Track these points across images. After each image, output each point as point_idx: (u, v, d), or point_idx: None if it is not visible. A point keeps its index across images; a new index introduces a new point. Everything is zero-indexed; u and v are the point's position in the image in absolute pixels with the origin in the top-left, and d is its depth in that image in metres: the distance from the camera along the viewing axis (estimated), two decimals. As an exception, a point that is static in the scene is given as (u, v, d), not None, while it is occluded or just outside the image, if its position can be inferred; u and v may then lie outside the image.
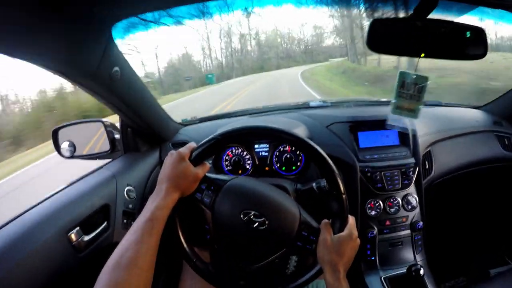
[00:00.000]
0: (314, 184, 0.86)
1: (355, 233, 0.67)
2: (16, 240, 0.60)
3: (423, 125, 1.15)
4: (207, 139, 0.68)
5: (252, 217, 0.67)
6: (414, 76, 0.79)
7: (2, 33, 0.46)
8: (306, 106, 1.32)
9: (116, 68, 0.72)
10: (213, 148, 0.69)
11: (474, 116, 1.34)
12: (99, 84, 0.72)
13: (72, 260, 0.69)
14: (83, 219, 0.73)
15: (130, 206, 0.89)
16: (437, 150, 1.17)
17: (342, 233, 0.65)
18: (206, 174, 0.71)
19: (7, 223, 0.64)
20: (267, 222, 0.66)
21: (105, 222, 0.81)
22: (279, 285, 0.68)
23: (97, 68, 0.66)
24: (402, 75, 0.79)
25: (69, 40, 0.57)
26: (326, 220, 0.69)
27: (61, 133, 1.03)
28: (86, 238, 0.73)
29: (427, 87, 0.80)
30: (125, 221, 0.86)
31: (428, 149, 1.14)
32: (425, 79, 0.79)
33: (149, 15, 0.69)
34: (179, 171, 0.64)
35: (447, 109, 1.37)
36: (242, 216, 0.67)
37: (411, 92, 0.80)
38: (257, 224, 0.66)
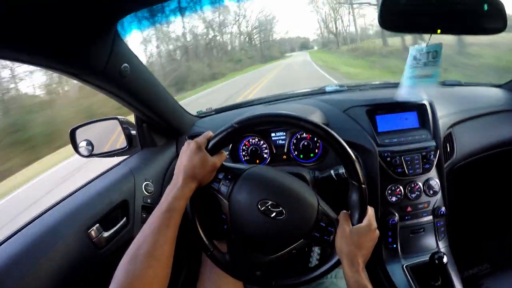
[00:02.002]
0: (332, 171, 0.85)
1: (375, 224, 0.66)
2: (38, 239, 0.62)
3: (442, 106, 1.10)
4: (223, 127, 0.67)
5: (269, 207, 0.67)
6: (425, 48, 0.75)
7: (8, 39, 0.46)
8: (322, 92, 1.30)
9: (125, 64, 0.72)
10: (230, 137, 0.67)
11: (495, 95, 1.27)
12: (109, 82, 0.72)
13: (92, 257, 0.70)
14: (102, 216, 0.75)
15: (149, 200, 0.90)
16: (458, 131, 1.12)
17: (361, 224, 0.64)
18: (224, 163, 0.70)
19: (28, 223, 0.66)
20: (284, 212, 0.66)
21: (124, 218, 0.82)
22: (297, 276, 0.68)
23: (106, 66, 0.66)
24: (413, 49, 0.76)
25: (75, 40, 0.57)
26: (344, 211, 0.68)
27: (78, 132, 1.05)
28: (106, 234, 0.74)
29: (441, 52, 0.75)
30: (144, 215, 0.88)
31: (449, 131, 1.10)
32: (438, 46, 0.74)
33: (156, 8, 0.68)
34: (196, 161, 0.63)
35: (467, 88, 1.31)
36: (259, 205, 0.67)
37: (425, 60, 0.77)
38: (274, 214, 0.66)
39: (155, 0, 0.63)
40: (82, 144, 1.04)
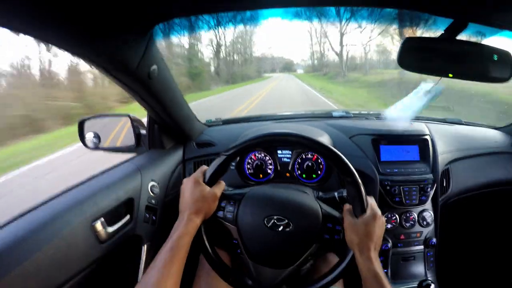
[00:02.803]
0: (336, 194, 0.87)
1: (378, 211, 0.68)
2: (43, 225, 0.62)
3: (443, 143, 1.15)
4: (215, 160, 0.71)
5: (275, 221, 0.70)
6: (431, 86, 0.80)
7: (47, 22, 0.48)
8: (328, 116, 1.34)
9: (154, 67, 0.74)
10: (224, 165, 0.71)
11: (493, 136, 1.34)
12: (137, 81, 0.74)
13: (94, 250, 0.71)
14: (107, 211, 0.75)
15: (153, 201, 0.90)
16: (455, 168, 1.17)
17: (365, 214, 0.66)
18: (224, 191, 0.74)
19: (34, 208, 0.66)
20: (291, 223, 0.69)
21: (128, 216, 0.82)
22: (315, 282, 0.69)
23: (138, 66, 0.68)
24: (423, 85, 0.81)
25: (114, 37, 0.59)
26: (347, 205, 0.71)
27: (87, 124, 1.05)
28: (110, 229, 0.74)
29: (437, 96, 0.81)
30: (147, 215, 0.88)
31: (447, 167, 1.15)
32: (439, 90, 0.80)
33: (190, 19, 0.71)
34: (197, 196, 0.67)
35: (467, 127, 1.37)
36: (265, 222, 0.70)
37: (423, 96, 0.82)
38: (282, 227, 0.69)
39: (192, 11, 0.66)
40: (89, 136, 1.04)
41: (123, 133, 1.07)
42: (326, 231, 0.70)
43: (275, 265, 0.70)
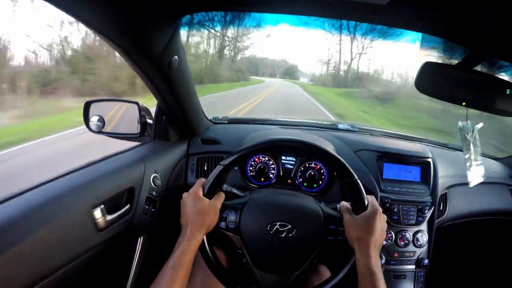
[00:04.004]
0: (338, 206, 0.88)
1: (379, 208, 0.68)
2: (40, 207, 0.59)
3: (443, 167, 1.17)
4: (213, 171, 0.70)
5: (278, 227, 0.70)
6: (470, 124, 0.82)
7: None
8: (334, 128, 1.34)
9: (175, 57, 0.73)
10: (222, 176, 0.71)
11: (492, 166, 1.36)
12: (157, 69, 0.72)
13: (91, 237, 0.68)
14: (108, 198, 0.73)
15: (154, 193, 0.89)
16: (452, 193, 1.19)
17: (366, 211, 0.67)
18: (224, 202, 0.73)
19: (30, 189, 0.63)
20: (294, 228, 0.69)
21: (128, 205, 0.80)
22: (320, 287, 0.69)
23: (161, 53, 0.67)
24: (462, 125, 0.83)
25: (142, 21, 0.58)
26: (343, 202, 0.72)
27: (93, 106, 1.03)
28: (109, 217, 0.72)
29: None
30: (146, 207, 0.86)
31: (445, 191, 1.17)
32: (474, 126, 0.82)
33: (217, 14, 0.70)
34: (197, 210, 0.67)
35: None
36: (269, 229, 0.69)
37: (469, 138, 0.84)
38: (285, 233, 0.69)
39: (220, 7, 0.66)
40: (94, 119, 1.02)
41: (117, 117, 1.05)
42: (329, 233, 0.70)
43: (282, 271, 0.70)
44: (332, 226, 0.71)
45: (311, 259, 0.70)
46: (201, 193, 0.69)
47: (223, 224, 0.72)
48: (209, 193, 0.70)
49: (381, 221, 0.67)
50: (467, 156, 0.84)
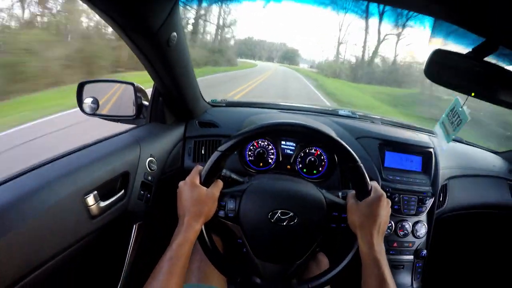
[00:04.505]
0: (340, 193, 0.86)
1: (383, 193, 0.66)
2: (30, 193, 0.55)
3: (444, 158, 1.15)
4: (210, 158, 0.66)
5: (280, 215, 0.67)
6: (461, 109, 0.80)
7: None
8: (335, 113, 1.31)
9: (174, 34, 0.68)
10: (219, 162, 0.67)
11: (492, 160, 1.36)
12: (154, 46, 0.68)
13: (84, 225, 0.65)
14: (101, 184, 0.69)
15: (149, 178, 0.85)
16: (452, 185, 1.18)
17: (369, 197, 0.65)
18: (222, 190, 0.70)
19: (21, 174, 0.59)
20: (296, 216, 0.67)
21: (122, 190, 0.77)
22: (323, 275, 0.67)
23: (159, 29, 0.63)
24: (456, 101, 0.81)
25: None
26: (351, 191, 0.70)
27: (86, 88, 0.98)
28: (102, 204, 0.69)
29: (463, 125, 0.81)
30: (142, 192, 0.83)
31: (445, 182, 1.15)
32: (466, 118, 0.80)
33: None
34: (195, 198, 0.64)
35: (468, 147, 1.38)
36: (270, 217, 0.67)
37: (453, 120, 0.82)
38: (287, 221, 0.67)
39: None
40: (87, 101, 0.98)
41: (114, 99, 1.01)
42: (332, 220, 0.69)
43: (283, 260, 0.68)
44: (335, 213, 0.69)
45: (314, 247, 0.68)
46: (198, 181, 0.65)
47: (221, 213, 0.69)
48: (207, 181, 0.66)
49: (385, 206, 0.64)
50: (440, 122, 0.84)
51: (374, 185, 0.67)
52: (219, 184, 0.69)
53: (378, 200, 0.63)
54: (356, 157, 0.65)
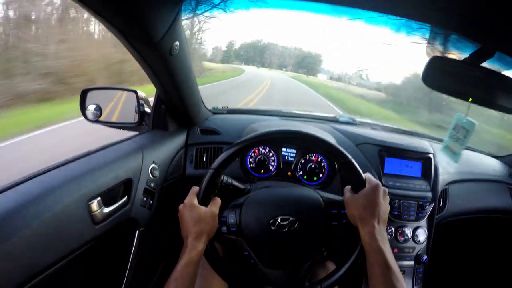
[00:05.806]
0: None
1: (378, 182, 0.66)
2: (34, 199, 0.56)
3: (444, 163, 1.16)
4: (204, 178, 0.68)
5: (280, 222, 0.68)
6: (465, 120, 0.80)
7: None
8: (335, 120, 1.32)
9: (177, 43, 0.70)
10: (214, 179, 0.68)
11: (492, 164, 1.36)
12: (157, 55, 0.69)
13: (87, 231, 0.66)
14: (105, 190, 0.70)
15: (152, 185, 0.86)
16: (452, 190, 1.19)
17: (364, 188, 0.66)
18: (221, 205, 0.71)
19: (25, 180, 0.60)
20: (296, 221, 0.68)
21: (126, 197, 0.78)
22: (333, 274, 0.67)
23: (162, 38, 0.64)
24: (456, 117, 0.81)
25: (144, 2, 0.54)
26: (347, 186, 0.71)
27: (90, 94, 0.99)
28: (105, 210, 0.70)
29: (472, 134, 0.81)
30: (144, 199, 0.84)
31: (445, 188, 1.16)
32: (472, 125, 0.80)
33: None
34: (195, 219, 0.65)
35: (468, 152, 1.39)
36: (271, 226, 0.68)
37: (458, 136, 0.82)
38: (288, 226, 0.68)
39: None
40: (91, 108, 0.99)
41: (117, 108, 1.02)
42: (332, 217, 0.69)
43: (291, 265, 0.69)
44: (334, 210, 0.70)
45: (319, 248, 0.69)
46: (196, 201, 0.67)
47: (224, 229, 0.70)
48: (204, 200, 0.68)
49: (382, 195, 0.65)
50: (443, 146, 0.84)
51: (368, 176, 0.68)
52: (217, 201, 0.70)
53: (374, 190, 0.64)
54: (346, 153, 0.67)
